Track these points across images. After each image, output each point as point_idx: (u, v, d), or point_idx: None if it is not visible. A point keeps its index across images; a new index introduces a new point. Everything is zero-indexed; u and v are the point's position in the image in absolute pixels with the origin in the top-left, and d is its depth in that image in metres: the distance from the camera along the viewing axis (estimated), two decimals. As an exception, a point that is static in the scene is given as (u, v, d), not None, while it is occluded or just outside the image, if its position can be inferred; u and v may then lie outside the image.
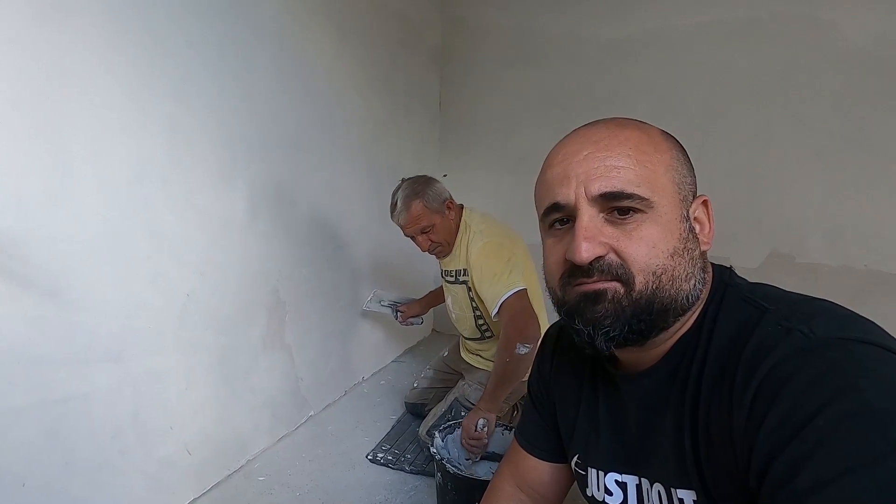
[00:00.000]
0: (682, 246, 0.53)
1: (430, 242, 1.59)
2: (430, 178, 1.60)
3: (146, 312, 1.23)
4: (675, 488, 0.54)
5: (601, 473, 0.65)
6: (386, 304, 2.06)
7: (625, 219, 0.52)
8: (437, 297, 2.04)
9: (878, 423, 0.38)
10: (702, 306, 0.56)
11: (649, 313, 0.52)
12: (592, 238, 0.52)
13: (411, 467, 1.60)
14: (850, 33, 2.06)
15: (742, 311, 0.52)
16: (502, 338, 1.44)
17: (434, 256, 1.70)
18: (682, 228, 0.54)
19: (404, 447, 1.72)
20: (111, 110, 1.11)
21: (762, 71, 2.21)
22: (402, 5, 2.34)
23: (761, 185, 2.24)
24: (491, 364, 1.70)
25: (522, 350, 1.39)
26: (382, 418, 1.92)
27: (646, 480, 0.59)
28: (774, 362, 0.44)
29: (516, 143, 2.74)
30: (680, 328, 0.56)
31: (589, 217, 0.52)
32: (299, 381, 1.82)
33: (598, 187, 0.52)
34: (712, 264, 0.60)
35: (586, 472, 0.68)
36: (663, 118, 0.67)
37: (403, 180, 1.60)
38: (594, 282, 0.53)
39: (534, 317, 1.45)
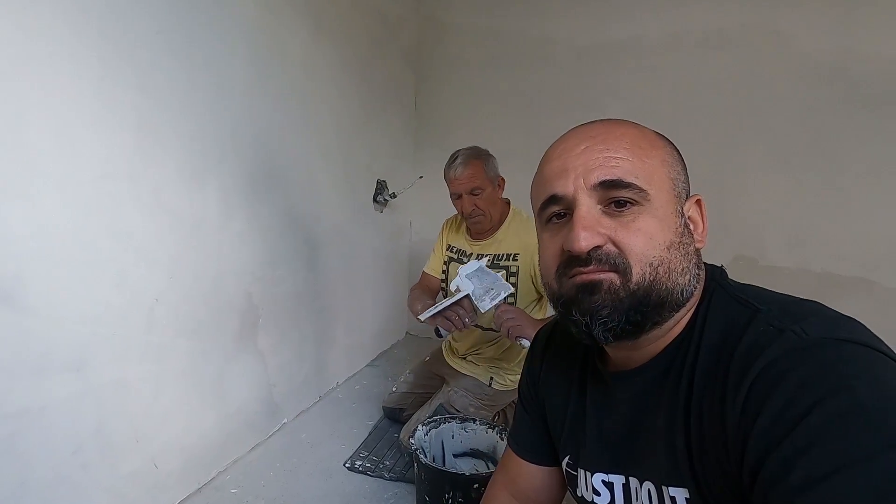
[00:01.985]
0: (678, 240, 0.54)
1: (473, 207, 1.58)
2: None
3: (111, 318, 1.15)
4: (667, 486, 0.54)
5: (589, 474, 0.65)
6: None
7: (622, 211, 0.53)
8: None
9: (870, 422, 0.38)
10: (695, 306, 0.57)
11: (646, 305, 0.52)
12: (590, 227, 0.52)
13: (391, 474, 1.57)
14: (809, 46, 2.17)
15: (732, 310, 0.53)
16: None
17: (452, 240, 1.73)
18: (678, 223, 0.55)
19: (383, 454, 1.68)
20: (74, 101, 1.03)
21: (729, 80, 2.29)
22: (378, 3, 2.30)
23: (727, 191, 2.32)
24: (481, 369, 1.70)
25: None
26: (359, 424, 1.87)
27: (634, 479, 0.59)
28: (767, 362, 0.45)
29: (491, 144, 2.68)
30: (673, 326, 0.56)
31: (587, 207, 0.53)
32: (272, 388, 1.75)
33: (597, 176, 0.53)
34: (705, 264, 0.60)
35: (576, 472, 0.67)
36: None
37: (468, 146, 1.63)
38: (591, 271, 0.53)
39: None
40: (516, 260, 1.60)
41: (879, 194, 2.12)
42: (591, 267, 0.52)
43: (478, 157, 1.57)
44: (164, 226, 1.26)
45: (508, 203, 1.70)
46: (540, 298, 1.64)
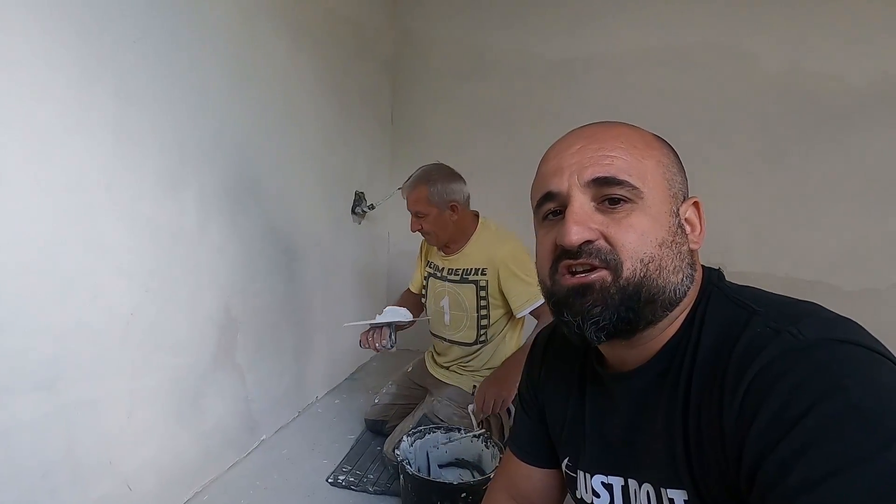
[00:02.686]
0: (671, 238, 0.54)
1: (419, 227, 1.62)
2: (456, 175, 1.63)
3: (84, 333, 1.10)
4: (666, 488, 0.54)
5: (588, 475, 0.65)
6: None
7: (615, 208, 0.53)
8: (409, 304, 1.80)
9: (865, 423, 0.39)
10: (691, 306, 0.57)
11: (637, 301, 0.52)
12: (582, 222, 0.53)
13: (375, 488, 1.54)
14: (766, 64, 2.30)
15: (730, 312, 0.53)
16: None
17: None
18: (671, 222, 0.55)
19: (366, 467, 1.65)
20: (49, 107, 0.99)
21: (694, 94, 2.40)
22: (354, 13, 2.31)
23: (694, 200, 2.41)
24: (464, 378, 1.70)
25: None
26: (340, 439, 1.83)
27: (633, 481, 0.59)
28: (763, 364, 0.45)
29: (466, 155, 2.76)
30: (668, 325, 0.57)
31: (580, 203, 0.54)
32: (251, 404, 1.70)
33: (591, 173, 0.54)
34: (703, 266, 0.61)
35: (576, 474, 0.67)
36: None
37: (434, 164, 1.65)
38: (582, 271, 0.53)
39: None
40: (484, 274, 1.61)
41: (833, 202, 2.25)
42: (581, 260, 0.53)
43: (425, 181, 1.57)
44: (141, 237, 1.22)
45: (477, 216, 1.70)
46: (509, 313, 1.64)
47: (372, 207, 2.48)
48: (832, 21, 2.19)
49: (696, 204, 0.60)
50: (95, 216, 1.10)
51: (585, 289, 0.53)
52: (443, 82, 2.78)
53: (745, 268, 2.40)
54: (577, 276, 0.54)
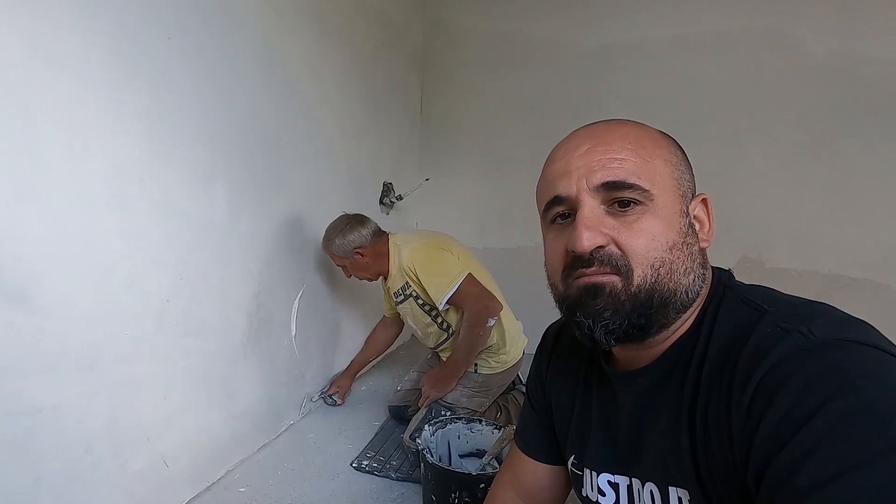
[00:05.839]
0: (682, 240, 0.54)
1: (348, 275, 1.83)
2: (352, 223, 1.74)
3: (122, 318, 1.16)
4: (670, 487, 0.54)
5: (594, 474, 0.65)
6: (316, 399, 1.99)
7: (625, 211, 0.53)
8: (365, 355, 2.10)
9: (876, 424, 0.38)
10: (700, 307, 0.56)
11: (649, 307, 0.52)
12: (593, 227, 0.52)
13: (397, 474, 1.58)
14: (814, 48, 2.17)
15: (741, 313, 0.53)
16: (470, 316, 1.64)
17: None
18: (682, 223, 0.55)
19: (389, 454, 1.68)
20: (86, 103, 1.04)
21: (733, 82, 2.30)
22: (383, 5, 2.32)
23: (731, 193, 2.31)
24: None
25: (491, 322, 1.65)
26: (365, 425, 1.88)
27: (637, 480, 0.59)
28: (773, 362, 0.45)
29: (497, 147, 2.76)
30: (679, 326, 0.56)
31: (590, 208, 0.53)
32: (279, 389, 1.77)
33: (600, 177, 0.53)
34: (712, 267, 0.60)
35: (582, 472, 0.67)
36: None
37: (335, 220, 1.79)
38: (593, 273, 0.53)
39: (490, 294, 1.67)
40: (410, 286, 1.75)
41: (884, 196, 2.12)
42: (593, 268, 0.53)
43: (327, 241, 1.75)
44: (173, 227, 1.28)
45: (387, 239, 1.79)
46: (434, 308, 1.75)
47: (400, 198, 2.51)
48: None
49: (704, 201, 0.59)
50: (130, 207, 1.16)
51: (597, 290, 0.53)
52: (473, 74, 2.77)
53: (787, 264, 2.31)
54: (588, 276, 0.54)
